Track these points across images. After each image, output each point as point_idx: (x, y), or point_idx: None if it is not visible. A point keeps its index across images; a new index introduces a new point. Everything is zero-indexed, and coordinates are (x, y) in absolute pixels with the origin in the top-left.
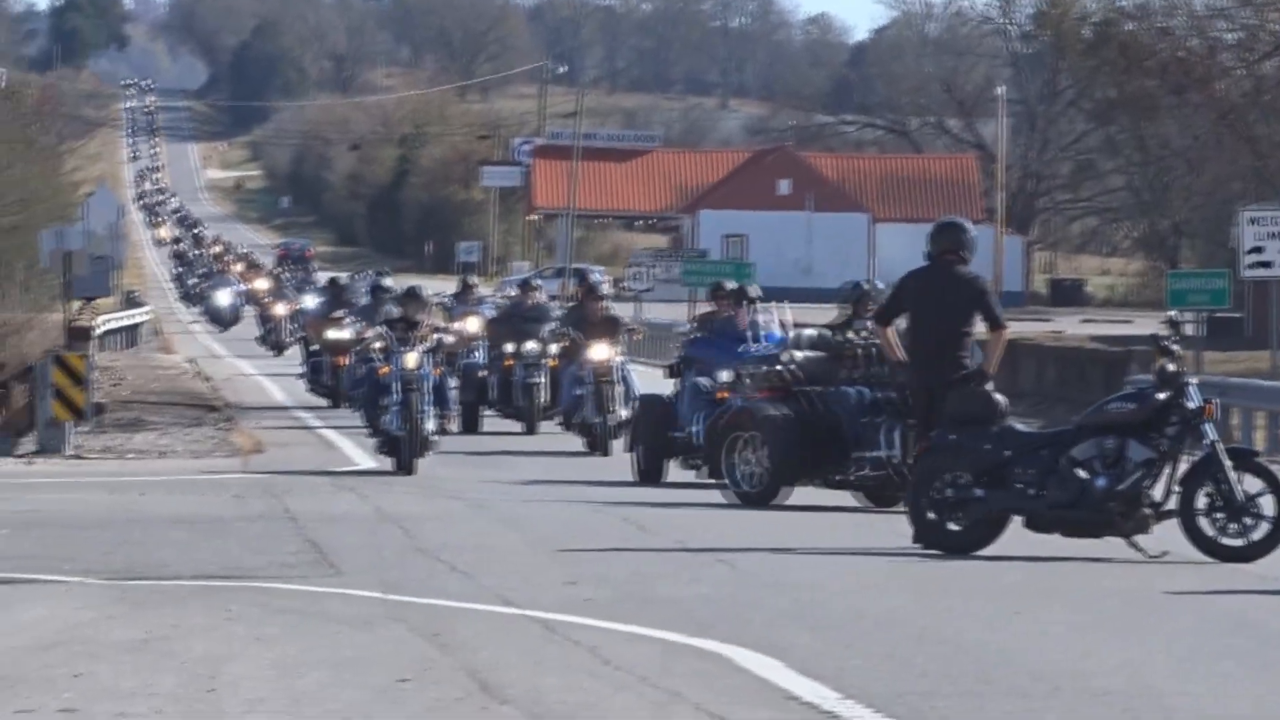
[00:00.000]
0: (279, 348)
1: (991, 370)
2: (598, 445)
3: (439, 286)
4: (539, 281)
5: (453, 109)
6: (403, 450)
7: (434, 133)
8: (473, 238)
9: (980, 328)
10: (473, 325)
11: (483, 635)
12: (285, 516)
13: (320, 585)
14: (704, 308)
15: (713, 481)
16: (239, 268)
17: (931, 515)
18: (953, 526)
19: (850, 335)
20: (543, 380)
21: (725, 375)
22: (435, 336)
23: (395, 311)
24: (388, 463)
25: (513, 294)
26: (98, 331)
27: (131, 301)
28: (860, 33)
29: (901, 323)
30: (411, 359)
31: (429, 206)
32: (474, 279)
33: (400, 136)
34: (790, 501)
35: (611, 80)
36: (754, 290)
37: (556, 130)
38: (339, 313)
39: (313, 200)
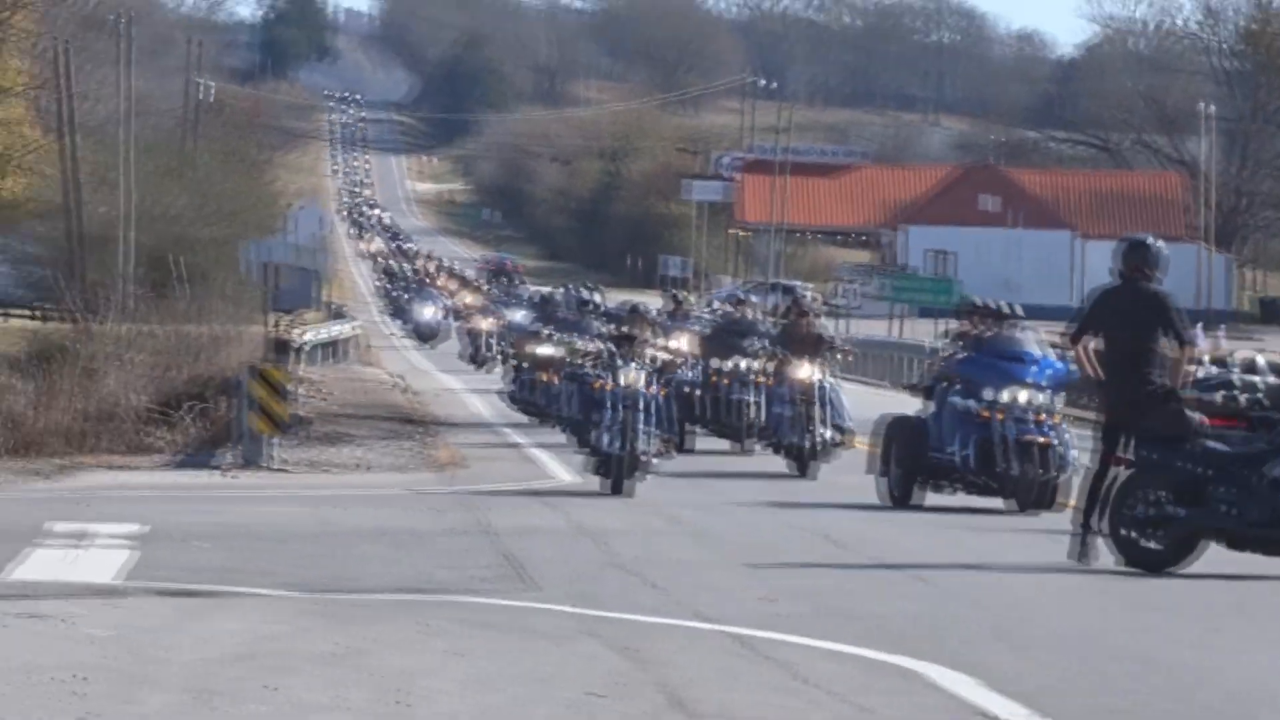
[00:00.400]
0: (483, 363)
1: (1179, 387)
2: (803, 467)
3: (644, 301)
4: (753, 297)
5: (658, 123)
6: (616, 469)
7: (640, 146)
8: (677, 252)
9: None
10: (685, 343)
11: (676, 650)
12: (483, 531)
13: (516, 600)
14: (921, 324)
15: (974, 505)
16: (446, 283)
17: (1129, 533)
18: (1151, 545)
19: None
20: (753, 398)
21: (1004, 395)
22: (655, 355)
23: (609, 328)
24: (594, 481)
25: (724, 308)
26: (301, 345)
27: (336, 315)
28: (1068, 49)
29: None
30: (631, 376)
31: (634, 220)
32: (685, 295)
33: (606, 150)
34: (982, 522)
35: (818, 95)
36: (1017, 309)
37: (762, 145)
38: (546, 329)
39: (518, 214)
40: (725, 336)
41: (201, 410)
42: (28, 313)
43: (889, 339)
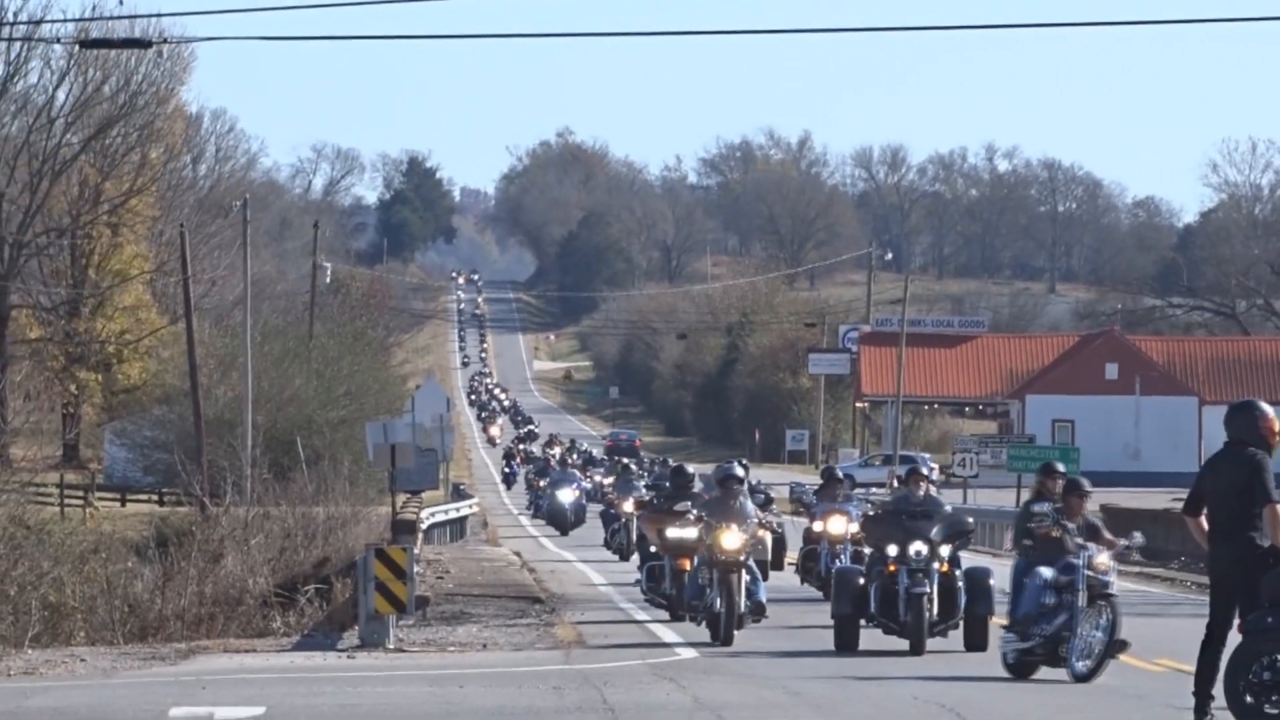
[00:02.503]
0: (625, 552)
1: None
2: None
3: (765, 475)
4: (928, 469)
5: (780, 297)
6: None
7: (761, 320)
8: (800, 425)
9: None
10: (837, 525)
11: None
12: (603, 708)
13: None
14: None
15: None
16: (573, 465)
17: (1250, 699)
18: (1272, 711)
19: None
20: (931, 590)
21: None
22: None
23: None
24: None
25: (892, 487)
26: (424, 525)
27: (459, 494)
28: (1188, 215)
29: None
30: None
31: (756, 394)
32: (840, 471)
33: (728, 325)
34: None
35: (938, 266)
36: (1085, 485)
37: (884, 317)
38: (681, 505)
39: (641, 389)
40: (897, 517)
41: (321, 591)
42: (148, 497)
43: (990, 507)
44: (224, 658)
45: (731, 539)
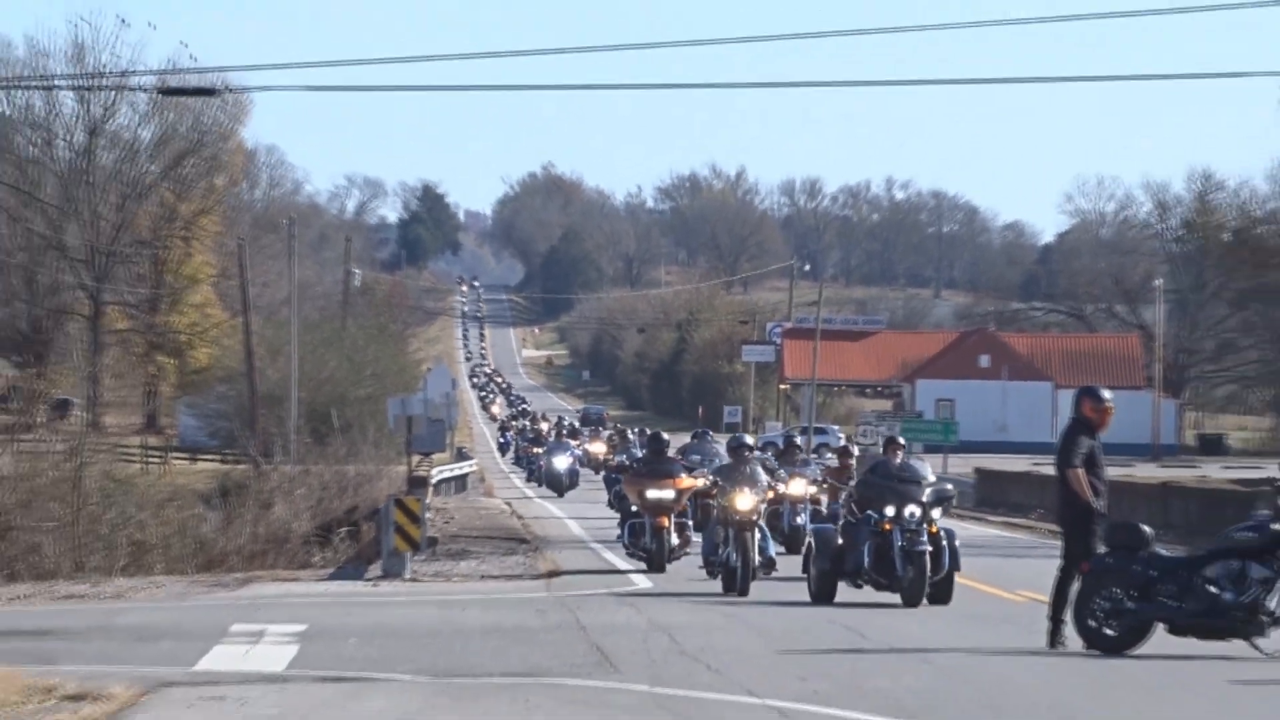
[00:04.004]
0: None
1: (1084, 503)
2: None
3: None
4: (836, 439)
5: (719, 299)
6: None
7: (704, 318)
8: (735, 403)
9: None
10: (797, 486)
11: None
12: (577, 626)
13: (603, 681)
14: (930, 458)
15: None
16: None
17: (1092, 623)
18: (1109, 631)
19: None
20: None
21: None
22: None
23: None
24: (662, 581)
25: (861, 452)
26: (433, 480)
27: (462, 455)
28: (1047, 236)
29: None
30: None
31: (700, 377)
32: (800, 439)
33: (677, 321)
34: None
35: (847, 275)
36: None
37: (802, 316)
38: (692, 458)
39: (607, 373)
40: (888, 481)
41: (351, 533)
42: (213, 457)
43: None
44: (273, 585)
45: (745, 500)
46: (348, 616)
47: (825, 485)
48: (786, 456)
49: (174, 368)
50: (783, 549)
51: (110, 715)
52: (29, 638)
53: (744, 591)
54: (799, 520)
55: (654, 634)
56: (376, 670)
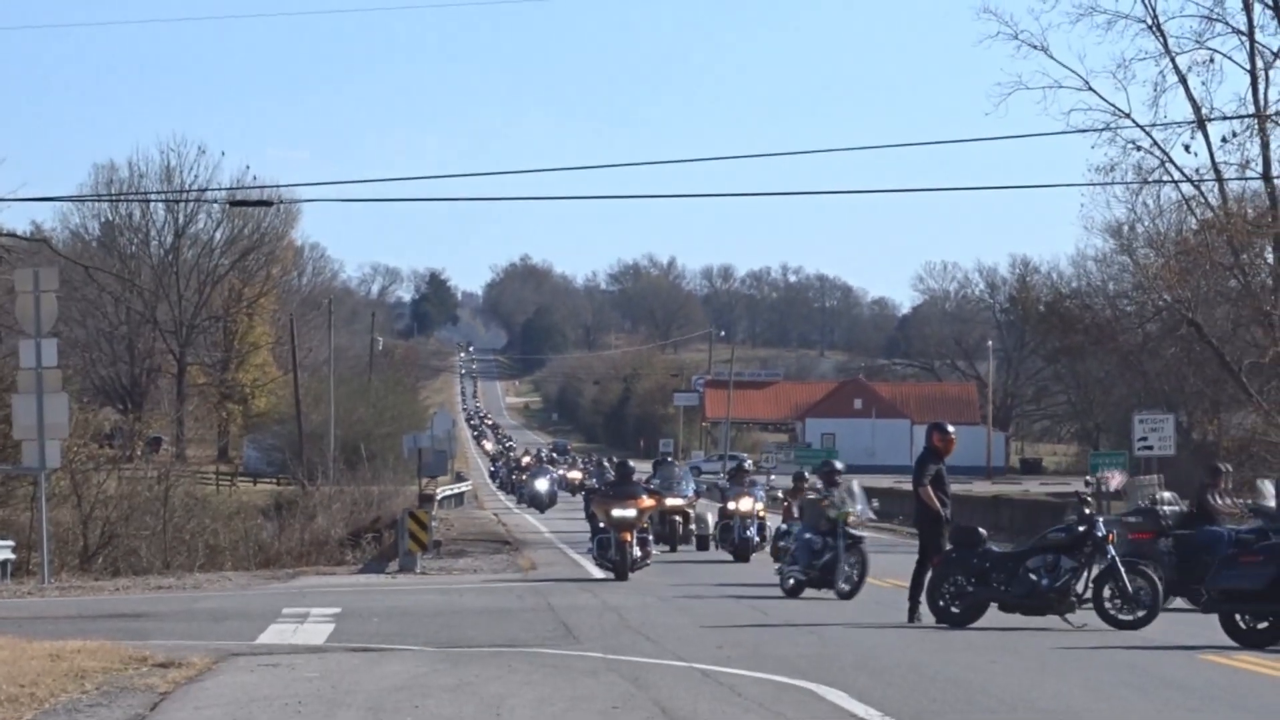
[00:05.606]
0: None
1: (935, 512)
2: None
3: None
4: (749, 465)
5: (656, 359)
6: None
7: (645, 373)
8: (669, 436)
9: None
10: (745, 504)
11: (665, 680)
12: (547, 608)
13: (566, 650)
14: (815, 482)
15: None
16: (539, 464)
17: (941, 603)
18: (954, 610)
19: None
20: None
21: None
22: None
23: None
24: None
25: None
26: (438, 496)
27: (459, 478)
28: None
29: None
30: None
31: (642, 417)
32: (750, 463)
33: (624, 375)
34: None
35: (753, 339)
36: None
37: (719, 371)
38: (654, 482)
39: (571, 415)
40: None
41: (376, 537)
42: (270, 481)
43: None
44: (316, 578)
45: (621, 510)
46: (372, 601)
47: (785, 503)
48: (736, 479)
49: (240, 412)
50: (730, 556)
51: (190, 678)
52: (128, 619)
53: (623, 577)
54: (748, 533)
55: (606, 613)
56: (394, 642)
